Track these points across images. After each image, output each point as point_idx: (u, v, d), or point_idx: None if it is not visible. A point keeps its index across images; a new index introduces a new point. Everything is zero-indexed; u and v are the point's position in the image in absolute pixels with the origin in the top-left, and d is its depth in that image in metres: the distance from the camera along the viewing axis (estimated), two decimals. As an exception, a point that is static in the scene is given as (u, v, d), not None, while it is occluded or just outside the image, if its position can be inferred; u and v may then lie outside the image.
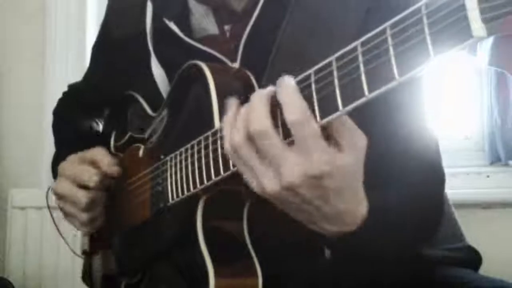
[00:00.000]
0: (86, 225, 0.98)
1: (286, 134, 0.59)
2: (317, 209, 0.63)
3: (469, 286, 0.82)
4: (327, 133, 0.58)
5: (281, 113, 0.58)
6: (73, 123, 1.17)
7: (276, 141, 0.58)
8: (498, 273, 0.87)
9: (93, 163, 0.95)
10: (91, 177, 0.93)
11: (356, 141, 0.59)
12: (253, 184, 0.62)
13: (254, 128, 0.59)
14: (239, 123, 0.61)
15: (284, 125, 0.58)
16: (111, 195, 1.00)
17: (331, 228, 0.66)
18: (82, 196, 0.93)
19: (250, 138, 0.60)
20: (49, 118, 1.23)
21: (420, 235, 0.79)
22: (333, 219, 0.64)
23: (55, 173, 1.05)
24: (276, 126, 0.59)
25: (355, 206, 0.65)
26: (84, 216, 0.96)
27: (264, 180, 0.60)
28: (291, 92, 0.57)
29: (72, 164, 0.96)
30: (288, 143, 0.58)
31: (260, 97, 0.60)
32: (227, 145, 0.63)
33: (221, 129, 0.68)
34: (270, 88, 0.60)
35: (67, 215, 0.99)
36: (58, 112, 1.21)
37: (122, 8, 1.08)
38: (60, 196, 0.97)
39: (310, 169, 0.58)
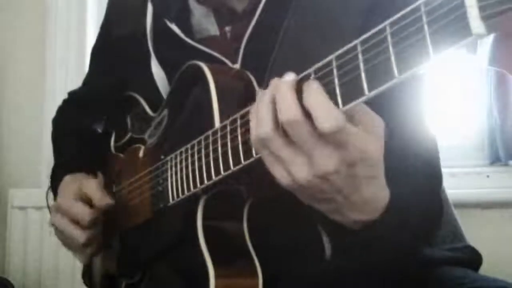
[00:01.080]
0: (84, 257, 1.02)
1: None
2: (346, 198, 0.62)
3: (469, 286, 0.82)
4: (352, 119, 0.58)
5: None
6: (72, 133, 1.16)
7: (309, 129, 0.56)
8: (498, 273, 0.87)
9: (87, 200, 0.96)
10: (84, 216, 0.94)
11: (376, 125, 0.59)
12: (281, 175, 0.60)
13: (286, 117, 0.57)
14: (267, 113, 0.59)
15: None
16: (111, 195, 1.01)
17: (356, 216, 0.65)
18: (80, 235, 0.95)
19: (280, 128, 0.59)
20: (49, 119, 1.23)
21: (419, 233, 0.79)
22: (359, 207, 0.64)
23: (53, 185, 1.06)
24: (306, 114, 0.57)
25: (379, 193, 0.65)
26: (82, 251, 0.99)
27: (297, 169, 0.59)
28: (322, 97, 0.56)
29: (70, 200, 0.97)
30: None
31: (287, 85, 0.58)
32: (254, 137, 0.61)
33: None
34: (291, 76, 0.59)
35: (65, 245, 1.01)
36: (57, 121, 1.21)
37: (122, 9, 1.08)
38: (58, 231, 0.99)
39: (347, 156, 0.57)
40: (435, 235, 0.90)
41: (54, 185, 1.05)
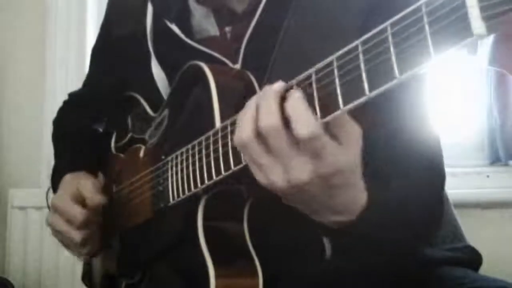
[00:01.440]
0: (82, 256, 1.04)
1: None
2: (323, 204, 0.64)
3: (469, 286, 0.82)
4: (328, 130, 0.59)
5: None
6: (73, 133, 1.16)
7: (286, 138, 0.58)
8: (498, 273, 0.87)
9: (82, 199, 0.97)
10: (76, 217, 0.95)
11: (352, 133, 0.60)
12: (261, 179, 0.63)
13: (265, 124, 0.59)
14: (248, 118, 0.61)
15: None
16: (111, 196, 1.01)
17: (335, 218, 0.67)
18: (75, 235, 0.96)
19: (259, 135, 0.60)
20: (49, 119, 1.23)
21: (420, 232, 0.79)
22: (337, 210, 0.66)
23: (53, 185, 1.06)
24: (285, 123, 0.59)
25: (357, 196, 0.66)
26: (79, 250, 1.00)
27: (273, 177, 0.61)
28: (301, 107, 0.58)
29: (66, 200, 0.98)
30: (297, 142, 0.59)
31: (271, 93, 0.60)
32: (236, 141, 0.63)
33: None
34: (279, 84, 0.61)
35: (63, 245, 1.02)
36: (58, 122, 1.21)
37: (122, 9, 1.08)
38: (55, 231, 1.00)
39: (320, 168, 0.59)
40: (435, 235, 0.90)
41: (55, 185, 1.05)
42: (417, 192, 0.76)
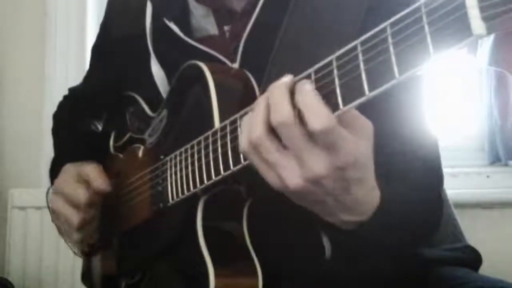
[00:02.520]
0: (78, 244, 1.00)
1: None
2: (337, 200, 0.62)
3: (469, 286, 0.82)
4: (341, 122, 0.58)
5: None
6: (73, 126, 1.16)
7: (300, 132, 0.57)
8: (498, 273, 0.87)
9: (86, 182, 0.95)
10: (80, 196, 0.94)
11: (365, 126, 0.60)
12: (273, 180, 0.61)
13: (279, 118, 0.57)
14: (258, 118, 0.60)
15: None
16: (110, 196, 1.01)
17: (348, 218, 0.66)
18: (74, 216, 0.94)
19: (272, 131, 0.59)
20: (49, 118, 1.22)
21: (419, 233, 0.79)
22: (351, 208, 0.65)
23: (52, 178, 1.06)
24: (298, 117, 0.57)
25: (370, 194, 0.65)
26: (75, 236, 0.97)
27: (288, 174, 0.59)
28: (314, 98, 0.56)
29: (67, 181, 0.97)
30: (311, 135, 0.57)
31: (279, 88, 0.59)
32: (244, 143, 0.61)
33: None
34: (286, 80, 0.60)
35: (61, 232, 1.01)
36: (58, 116, 1.21)
37: (121, 8, 1.08)
38: (54, 213, 0.99)
39: (337, 160, 0.57)
40: (434, 235, 0.89)
41: (54, 175, 1.04)
42: (416, 193, 0.76)
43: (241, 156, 0.67)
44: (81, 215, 0.94)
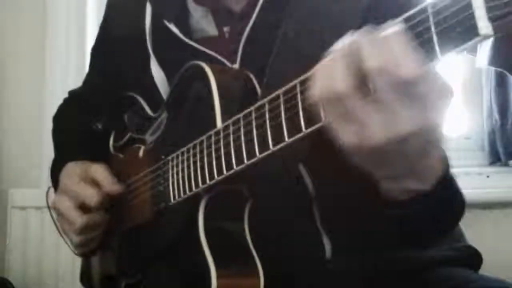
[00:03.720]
0: (77, 247, 1.00)
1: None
2: (411, 165, 0.59)
3: (469, 286, 0.82)
4: None
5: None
6: (73, 128, 1.16)
7: (398, 83, 0.52)
8: (498, 273, 0.87)
9: (94, 182, 0.95)
10: (92, 198, 0.93)
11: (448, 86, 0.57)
12: (351, 136, 0.55)
13: (376, 64, 0.52)
14: (346, 67, 0.54)
15: None
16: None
17: (411, 185, 0.63)
18: (79, 220, 0.94)
19: (362, 82, 0.54)
20: (49, 118, 1.23)
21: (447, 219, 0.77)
22: (420, 175, 0.62)
23: (53, 180, 1.06)
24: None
25: (437, 162, 0.64)
26: (75, 239, 0.97)
27: (374, 130, 0.54)
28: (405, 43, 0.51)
29: (73, 180, 0.96)
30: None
31: (372, 37, 0.53)
32: (327, 94, 0.55)
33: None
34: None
35: (63, 231, 1.00)
36: (58, 118, 1.21)
37: (121, 9, 1.08)
38: (58, 213, 0.98)
39: (426, 119, 0.54)
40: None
41: (54, 176, 1.04)
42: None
43: (244, 156, 0.67)
44: (85, 219, 0.94)
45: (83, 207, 0.94)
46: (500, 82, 1.77)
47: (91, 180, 0.95)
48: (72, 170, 0.99)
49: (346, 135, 0.56)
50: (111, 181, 0.95)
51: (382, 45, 0.52)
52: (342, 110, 0.55)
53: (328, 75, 0.55)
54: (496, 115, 1.78)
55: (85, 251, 1.03)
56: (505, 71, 1.55)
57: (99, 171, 0.96)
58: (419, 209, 0.65)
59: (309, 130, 0.60)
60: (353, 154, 0.58)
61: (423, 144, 0.57)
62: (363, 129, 0.54)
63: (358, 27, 0.75)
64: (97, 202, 0.93)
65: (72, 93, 1.24)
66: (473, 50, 1.32)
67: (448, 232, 0.82)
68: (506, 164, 1.81)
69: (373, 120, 0.54)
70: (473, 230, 1.06)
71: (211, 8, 0.94)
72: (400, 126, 0.53)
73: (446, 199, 0.68)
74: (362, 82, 0.53)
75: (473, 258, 0.94)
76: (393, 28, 0.52)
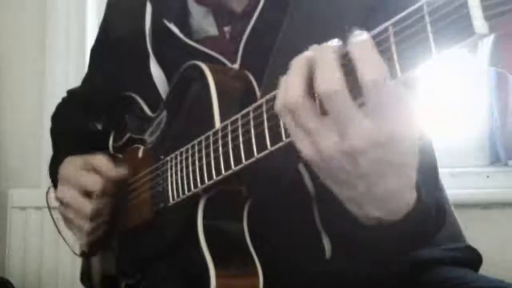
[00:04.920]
0: (88, 235, 0.97)
1: (354, 95, 0.53)
2: (368, 187, 0.58)
3: (469, 286, 0.82)
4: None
5: (351, 73, 0.53)
6: (71, 128, 1.16)
7: (349, 100, 0.52)
8: (498, 273, 0.87)
9: (96, 170, 0.94)
10: (95, 184, 0.93)
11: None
12: (305, 147, 0.57)
13: (327, 87, 0.53)
14: (299, 79, 0.55)
15: (353, 84, 0.53)
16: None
17: (373, 212, 0.60)
18: (87, 205, 0.93)
19: (314, 95, 0.55)
20: (49, 119, 1.23)
21: (422, 239, 0.77)
22: (380, 201, 0.60)
23: (52, 175, 1.05)
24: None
25: (406, 191, 0.60)
26: (87, 226, 0.95)
27: (324, 142, 0.55)
28: (369, 49, 0.52)
29: (75, 170, 0.96)
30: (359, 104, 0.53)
31: (328, 52, 0.54)
32: (280, 104, 0.57)
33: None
34: (336, 43, 0.55)
35: (68, 221, 0.98)
36: (56, 117, 1.21)
37: (121, 9, 1.08)
38: (63, 203, 0.97)
39: (381, 131, 0.53)
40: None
41: (53, 171, 1.03)
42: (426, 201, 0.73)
43: (242, 156, 0.67)
44: (94, 204, 0.93)
45: (89, 194, 0.93)
46: (500, 82, 1.77)
47: (92, 168, 0.95)
48: (72, 161, 0.99)
49: (302, 147, 0.57)
50: (111, 167, 0.94)
51: (339, 64, 0.53)
52: (296, 121, 0.56)
53: (284, 87, 0.57)
54: (496, 115, 1.78)
55: (91, 241, 1.00)
56: (505, 71, 1.55)
57: (98, 158, 0.95)
58: (385, 235, 0.63)
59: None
60: (313, 167, 0.59)
61: (377, 168, 0.56)
62: (317, 141, 0.55)
63: (359, 27, 0.75)
64: (100, 188, 0.93)
65: (71, 92, 1.24)
66: (473, 50, 1.32)
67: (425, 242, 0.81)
68: (506, 164, 1.81)
69: (322, 134, 0.55)
70: (473, 230, 1.06)
71: (212, 8, 0.94)
72: (353, 139, 0.53)
73: (421, 231, 0.66)
74: (313, 96, 0.55)
75: (473, 258, 0.94)
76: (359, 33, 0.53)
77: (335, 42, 0.56)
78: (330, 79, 0.53)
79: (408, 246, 0.71)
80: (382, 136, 0.53)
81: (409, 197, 0.61)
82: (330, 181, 0.60)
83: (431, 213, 0.67)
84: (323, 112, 0.55)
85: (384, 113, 0.53)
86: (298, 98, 0.55)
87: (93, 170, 0.95)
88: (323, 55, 0.55)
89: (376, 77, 0.51)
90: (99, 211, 0.95)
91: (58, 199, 0.97)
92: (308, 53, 0.57)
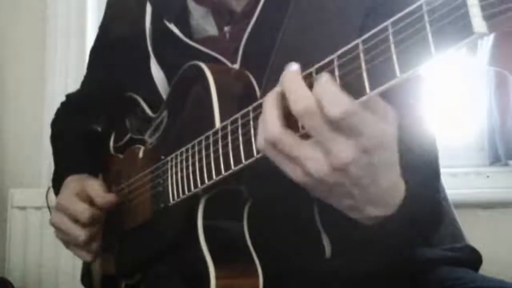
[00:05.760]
0: (87, 257, 1.00)
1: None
2: (363, 190, 0.60)
3: (469, 286, 0.82)
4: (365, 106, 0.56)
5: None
6: (71, 134, 1.16)
7: (323, 119, 0.54)
8: (498, 273, 0.87)
9: (88, 198, 0.96)
10: (83, 213, 0.94)
11: (388, 112, 0.57)
12: (296, 173, 0.59)
13: (301, 106, 0.55)
14: (272, 112, 0.58)
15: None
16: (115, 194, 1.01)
17: (374, 211, 0.63)
18: (78, 232, 0.95)
19: (288, 125, 0.58)
20: (49, 119, 1.23)
21: (421, 231, 0.78)
22: (377, 200, 0.62)
23: (56, 188, 1.06)
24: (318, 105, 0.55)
25: (396, 182, 0.63)
26: (84, 250, 0.98)
27: (312, 165, 0.57)
28: (296, 80, 0.56)
29: (70, 197, 0.97)
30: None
31: (293, 77, 0.57)
32: (261, 143, 0.60)
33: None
34: (296, 66, 0.58)
35: (66, 245, 1.01)
36: (56, 123, 1.21)
37: (121, 9, 1.08)
38: (57, 229, 0.99)
39: (363, 142, 0.55)
40: (436, 233, 0.89)
41: (57, 188, 1.05)
42: (416, 191, 0.75)
43: (242, 156, 0.67)
44: (87, 231, 0.95)
45: (80, 223, 0.95)
46: (500, 82, 1.77)
47: (86, 195, 0.96)
48: (70, 187, 1.00)
49: (293, 175, 0.59)
50: (102, 195, 0.96)
51: (305, 85, 0.56)
52: (281, 153, 0.58)
53: (262, 126, 0.60)
54: (496, 115, 1.78)
55: (91, 256, 1.02)
56: (505, 72, 1.55)
57: (91, 185, 0.97)
58: (388, 230, 0.65)
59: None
60: (309, 190, 0.61)
61: (367, 171, 0.58)
62: (305, 166, 0.57)
63: (359, 27, 0.75)
64: (88, 217, 0.94)
65: (69, 97, 1.24)
66: (473, 50, 1.32)
67: (429, 235, 0.83)
68: (506, 164, 1.81)
69: (309, 157, 0.57)
70: (473, 230, 1.07)
71: (212, 8, 0.94)
72: (338, 153, 0.55)
73: (419, 213, 0.68)
74: (293, 121, 0.57)
75: (473, 258, 0.94)
76: (324, 73, 0.56)
77: (295, 66, 0.58)
78: (302, 96, 0.55)
79: (409, 236, 0.73)
80: (365, 145, 0.56)
81: (400, 188, 0.64)
82: (328, 196, 0.63)
83: (422, 196, 0.69)
84: (305, 136, 0.57)
85: (361, 130, 0.54)
86: (277, 131, 0.58)
87: (85, 197, 0.96)
88: (289, 80, 0.57)
89: (342, 111, 0.53)
90: (92, 237, 0.97)
91: (52, 224, 0.99)
92: (275, 88, 0.59)
